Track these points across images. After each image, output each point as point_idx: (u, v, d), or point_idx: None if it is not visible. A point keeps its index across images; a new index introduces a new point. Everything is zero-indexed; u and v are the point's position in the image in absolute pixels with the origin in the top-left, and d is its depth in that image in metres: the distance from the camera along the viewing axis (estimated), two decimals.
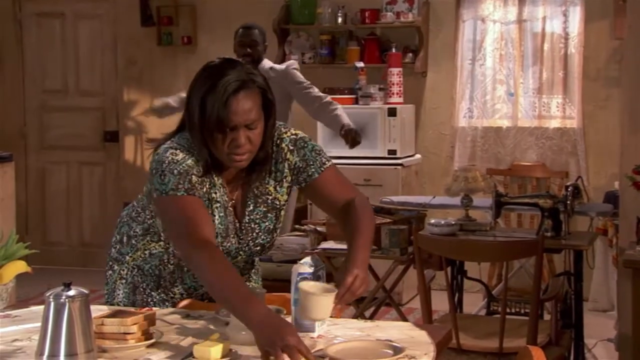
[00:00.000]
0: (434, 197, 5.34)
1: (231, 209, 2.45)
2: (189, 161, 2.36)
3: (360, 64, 6.51)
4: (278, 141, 2.48)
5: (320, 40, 6.87)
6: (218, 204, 2.42)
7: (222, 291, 2.14)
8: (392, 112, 6.32)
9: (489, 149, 6.67)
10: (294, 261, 2.35)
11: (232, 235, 2.45)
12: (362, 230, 2.36)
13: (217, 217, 2.41)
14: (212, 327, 2.30)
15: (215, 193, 2.41)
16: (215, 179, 2.42)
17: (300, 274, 2.23)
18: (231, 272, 2.20)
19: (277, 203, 2.51)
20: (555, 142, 6.53)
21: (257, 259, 2.70)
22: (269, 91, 2.38)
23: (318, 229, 4.76)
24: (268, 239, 2.52)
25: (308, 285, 2.12)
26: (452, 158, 6.72)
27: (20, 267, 2.44)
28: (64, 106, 7.58)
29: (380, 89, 6.44)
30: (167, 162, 2.34)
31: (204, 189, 2.39)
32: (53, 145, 7.63)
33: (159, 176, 2.34)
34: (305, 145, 2.49)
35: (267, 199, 2.49)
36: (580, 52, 6.43)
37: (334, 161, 2.55)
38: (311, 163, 2.48)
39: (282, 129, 2.50)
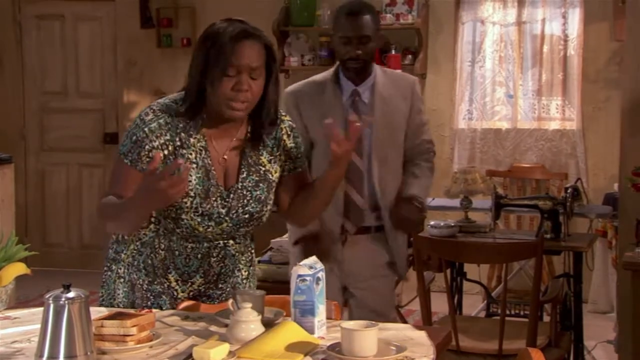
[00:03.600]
0: (433, 199, 5.34)
1: (215, 172, 2.50)
2: (153, 124, 2.46)
3: None
4: (279, 121, 2.58)
5: (319, 42, 6.88)
6: (195, 165, 2.47)
7: (109, 213, 2.40)
8: None
9: (489, 150, 6.67)
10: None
11: (214, 198, 2.49)
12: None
13: (194, 177, 2.47)
14: (211, 328, 2.30)
15: (191, 154, 2.47)
16: (194, 140, 2.48)
17: (299, 275, 2.23)
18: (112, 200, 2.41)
19: (270, 176, 2.57)
20: (554, 144, 6.54)
21: (255, 259, 2.71)
22: (273, 50, 2.46)
23: None
24: (257, 209, 2.54)
25: (349, 324, 2.12)
26: (451, 160, 6.72)
27: (20, 269, 2.44)
28: (64, 108, 7.58)
29: None
30: (136, 123, 2.49)
31: (166, 151, 2.45)
32: (53, 146, 7.63)
33: (125, 135, 2.50)
34: (298, 137, 2.63)
35: (260, 169, 2.55)
36: (579, 54, 6.43)
37: None
38: (300, 156, 2.63)
39: (281, 111, 2.61)
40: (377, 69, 3.48)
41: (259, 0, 6.96)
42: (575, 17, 6.44)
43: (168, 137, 2.45)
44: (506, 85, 6.65)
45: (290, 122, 2.61)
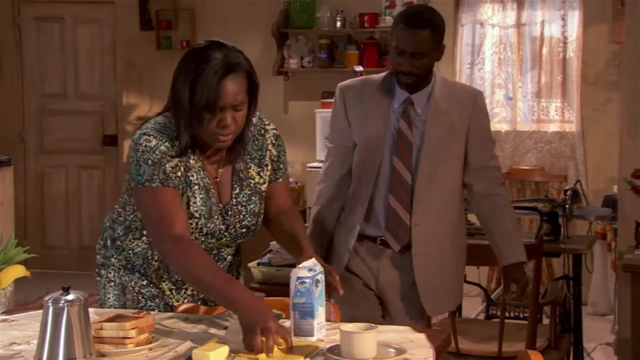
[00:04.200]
0: None
1: (213, 190, 2.49)
2: (162, 147, 2.41)
3: (360, 68, 6.51)
4: (262, 131, 2.57)
5: (319, 44, 6.88)
6: (197, 186, 2.46)
7: (203, 279, 2.27)
8: None
9: None
10: (293, 265, 2.35)
11: (216, 216, 2.49)
12: (303, 234, 2.59)
13: (198, 199, 2.46)
14: (210, 331, 2.30)
15: (193, 176, 2.46)
16: (193, 161, 2.46)
17: (299, 278, 2.23)
18: (209, 261, 2.34)
19: (260, 188, 2.57)
20: (554, 146, 6.54)
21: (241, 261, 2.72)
22: (254, 74, 2.43)
23: None
24: (254, 222, 2.56)
25: (348, 327, 2.12)
26: None
27: (19, 271, 2.43)
28: (63, 110, 7.57)
29: None
30: (141, 150, 2.40)
31: (179, 173, 2.43)
32: (52, 149, 7.62)
33: (134, 166, 2.40)
34: (281, 145, 2.62)
35: (250, 182, 2.55)
36: (579, 56, 6.44)
37: None
38: (281, 166, 2.61)
39: (265, 120, 2.60)
40: (437, 77, 3.17)
41: (259, 2, 6.96)
42: (575, 20, 6.45)
43: (177, 159, 2.42)
44: (505, 88, 6.65)
45: (274, 131, 2.59)
